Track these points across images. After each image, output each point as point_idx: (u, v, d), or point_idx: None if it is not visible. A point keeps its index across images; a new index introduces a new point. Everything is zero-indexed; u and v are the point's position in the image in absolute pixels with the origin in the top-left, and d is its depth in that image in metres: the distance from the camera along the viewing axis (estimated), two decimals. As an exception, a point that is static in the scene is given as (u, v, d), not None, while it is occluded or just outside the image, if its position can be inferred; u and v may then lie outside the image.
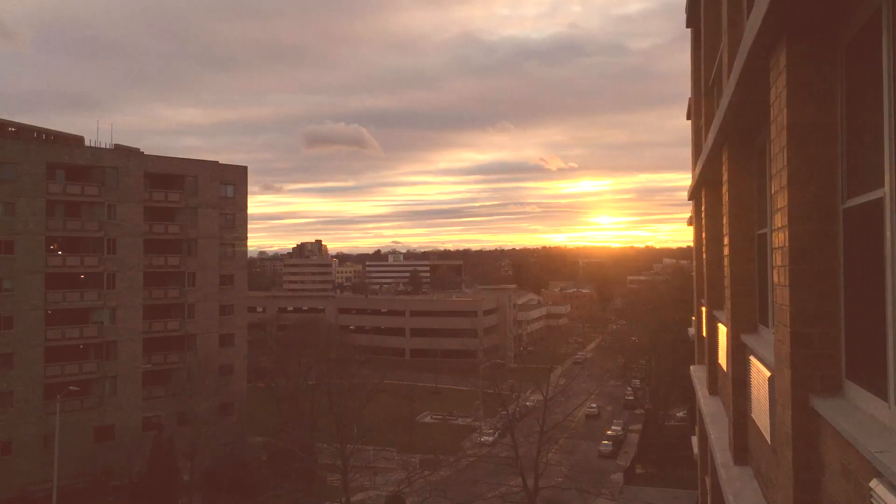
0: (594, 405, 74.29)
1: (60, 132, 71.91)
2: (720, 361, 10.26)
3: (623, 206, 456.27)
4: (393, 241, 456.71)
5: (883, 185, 3.65)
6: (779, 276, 4.88)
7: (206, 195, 63.53)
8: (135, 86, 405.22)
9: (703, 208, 12.96)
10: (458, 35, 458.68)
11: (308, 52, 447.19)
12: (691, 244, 18.77)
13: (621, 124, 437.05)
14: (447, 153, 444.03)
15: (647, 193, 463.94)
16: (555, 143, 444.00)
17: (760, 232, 7.84)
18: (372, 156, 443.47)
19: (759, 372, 6.36)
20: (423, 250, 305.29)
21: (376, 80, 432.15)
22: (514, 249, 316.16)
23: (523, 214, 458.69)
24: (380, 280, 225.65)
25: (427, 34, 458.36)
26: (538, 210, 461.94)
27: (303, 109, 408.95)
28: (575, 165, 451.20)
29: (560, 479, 50.18)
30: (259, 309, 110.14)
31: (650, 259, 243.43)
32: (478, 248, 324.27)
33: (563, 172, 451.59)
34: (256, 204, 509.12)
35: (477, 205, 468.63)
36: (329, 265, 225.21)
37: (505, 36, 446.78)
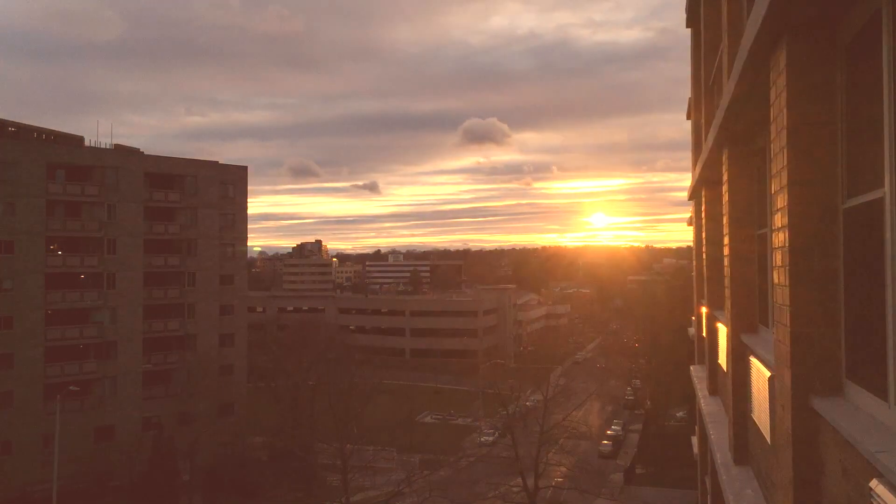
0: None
1: (60, 132, 71.89)
2: (720, 361, 10.26)
3: (628, 206, 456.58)
4: (407, 242, 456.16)
5: (883, 185, 3.65)
6: (779, 276, 4.88)
7: (206, 195, 63.52)
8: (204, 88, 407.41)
9: (703, 208, 12.96)
10: (552, 40, 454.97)
11: (378, 54, 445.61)
12: (691, 244, 18.77)
13: (651, 125, 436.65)
14: (452, 154, 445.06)
15: (658, 193, 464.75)
16: (564, 146, 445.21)
17: (760, 232, 7.84)
18: (376, 156, 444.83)
19: (759, 372, 6.36)
20: (423, 250, 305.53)
21: (436, 83, 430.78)
22: (514, 249, 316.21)
23: (524, 214, 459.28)
24: (380, 280, 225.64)
25: (521, 38, 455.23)
26: (539, 210, 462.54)
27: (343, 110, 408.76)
28: (582, 166, 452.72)
29: (560, 479, 50.21)
30: (259, 309, 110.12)
31: (650, 259, 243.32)
32: (478, 248, 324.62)
33: (566, 173, 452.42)
34: (257, 204, 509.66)
35: (478, 205, 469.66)
36: (329, 265, 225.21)
37: (596, 41, 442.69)
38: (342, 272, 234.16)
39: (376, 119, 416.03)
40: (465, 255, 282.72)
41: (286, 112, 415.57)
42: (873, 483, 3.14)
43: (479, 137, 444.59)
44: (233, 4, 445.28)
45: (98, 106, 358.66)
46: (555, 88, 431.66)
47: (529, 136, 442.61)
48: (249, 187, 71.75)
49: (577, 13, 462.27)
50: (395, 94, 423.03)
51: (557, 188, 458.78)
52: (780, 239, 4.80)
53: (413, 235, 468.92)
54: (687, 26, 16.59)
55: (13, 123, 67.07)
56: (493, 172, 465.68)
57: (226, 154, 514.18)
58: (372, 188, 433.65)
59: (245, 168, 67.86)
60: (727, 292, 8.56)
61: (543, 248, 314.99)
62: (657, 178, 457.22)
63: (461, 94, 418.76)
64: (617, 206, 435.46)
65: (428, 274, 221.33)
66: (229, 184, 65.55)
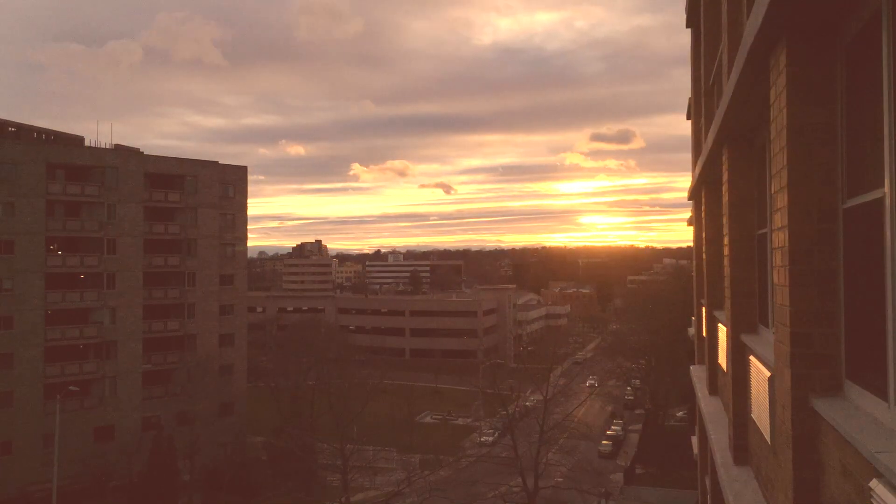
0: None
1: (60, 132, 71.85)
2: (720, 361, 10.25)
3: (629, 206, 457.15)
4: (408, 242, 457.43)
5: (883, 185, 3.65)
6: (779, 276, 4.88)
7: (206, 195, 63.52)
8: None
9: (703, 208, 12.95)
10: (629, 45, 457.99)
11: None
12: (691, 244, 18.76)
13: (662, 126, 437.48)
14: (455, 154, 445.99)
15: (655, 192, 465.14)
16: (566, 146, 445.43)
17: (760, 232, 7.84)
18: (376, 157, 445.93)
19: (759, 372, 6.36)
20: (423, 250, 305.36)
21: (454, 86, 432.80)
22: (514, 249, 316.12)
23: (524, 214, 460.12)
24: (380, 280, 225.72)
25: (600, 42, 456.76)
26: (539, 210, 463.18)
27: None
28: (585, 166, 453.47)
29: (560, 479, 50.17)
30: (259, 309, 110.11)
31: (650, 259, 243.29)
32: (478, 248, 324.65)
33: (568, 173, 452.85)
34: (257, 204, 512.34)
35: (478, 205, 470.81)
36: (329, 265, 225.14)
37: (676, 43, 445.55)
38: (342, 272, 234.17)
39: (397, 121, 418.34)
40: (465, 255, 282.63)
41: (312, 113, 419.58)
42: (873, 483, 3.14)
43: (482, 141, 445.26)
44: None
45: (156, 107, 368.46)
46: (573, 92, 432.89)
47: (533, 137, 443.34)
48: (250, 188, 71.86)
49: (656, 17, 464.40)
50: (423, 97, 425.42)
51: (558, 188, 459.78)
52: (780, 239, 4.80)
53: (418, 235, 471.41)
54: (687, 26, 16.57)
55: (13, 123, 67.06)
56: (495, 173, 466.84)
57: (226, 156, 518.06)
58: (444, 188, 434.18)
59: (245, 168, 67.96)
60: (727, 292, 8.55)
61: (543, 247, 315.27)
62: (659, 179, 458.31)
63: (474, 98, 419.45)
64: (617, 207, 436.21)
65: (428, 274, 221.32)
66: (229, 184, 65.56)
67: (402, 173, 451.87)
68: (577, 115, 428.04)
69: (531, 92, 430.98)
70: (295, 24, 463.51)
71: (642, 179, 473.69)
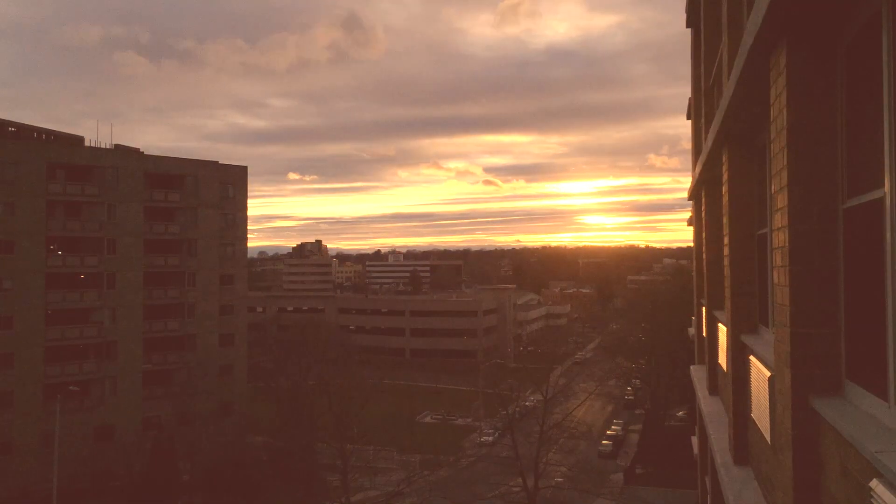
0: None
1: (61, 132, 71.91)
2: (720, 361, 10.25)
3: (629, 206, 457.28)
4: (407, 242, 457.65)
5: (883, 185, 3.65)
6: (779, 276, 4.88)
7: (207, 195, 63.54)
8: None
9: (703, 208, 12.95)
10: (672, 48, 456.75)
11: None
12: (691, 244, 18.75)
13: (662, 127, 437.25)
14: (454, 153, 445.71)
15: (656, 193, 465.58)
16: (568, 146, 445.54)
17: (760, 232, 7.84)
18: (377, 158, 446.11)
19: (759, 372, 6.36)
20: (423, 250, 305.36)
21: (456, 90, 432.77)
22: (514, 249, 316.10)
23: (525, 215, 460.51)
24: (380, 280, 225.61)
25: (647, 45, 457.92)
26: (540, 210, 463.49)
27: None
28: (583, 164, 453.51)
29: (560, 479, 50.18)
30: (259, 309, 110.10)
31: (650, 259, 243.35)
32: (478, 248, 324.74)
33: (566, 173, 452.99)
34: (257, 204, 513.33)
35: (478, 206, 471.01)
36: (329, 265, 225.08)
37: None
38: (342, 272, 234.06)
39: (429, 122, 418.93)
40: (465, 255, 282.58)
41: (308, 115, 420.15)
42: (873, 483, 3.14)
43: (481, 142, 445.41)
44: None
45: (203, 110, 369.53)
46: (577, 91, 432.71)
47: (533, 138, 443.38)
48: (250, 188, 71.98)
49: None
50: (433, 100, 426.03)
51: (558, 188, 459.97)
52: (780, 239, 4.80)
53: (426, 235, 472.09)
54: (687, 26, 16.57)
55: (13, 123, 67.09)
56: (496, 173, 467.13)
57: (224, 157, 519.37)
58: (464, 186, 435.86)
59: (245, 168, 67.99)
60: (727, 292, 8.55)
61: (543, 247, 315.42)
62: (659, 179, 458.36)
63: (519, 99, 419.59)
64: (618, 206, 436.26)
65: (428, 274, 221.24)
66: (229, 184, 65.60)
67: (422, 173, 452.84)
68: (609, 115, 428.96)
69: (570, 94, 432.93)
70: (342, 28, 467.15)
71: (655, 180, 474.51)
